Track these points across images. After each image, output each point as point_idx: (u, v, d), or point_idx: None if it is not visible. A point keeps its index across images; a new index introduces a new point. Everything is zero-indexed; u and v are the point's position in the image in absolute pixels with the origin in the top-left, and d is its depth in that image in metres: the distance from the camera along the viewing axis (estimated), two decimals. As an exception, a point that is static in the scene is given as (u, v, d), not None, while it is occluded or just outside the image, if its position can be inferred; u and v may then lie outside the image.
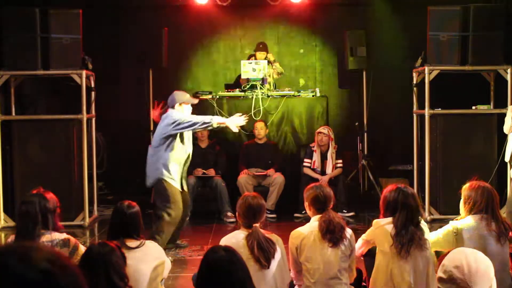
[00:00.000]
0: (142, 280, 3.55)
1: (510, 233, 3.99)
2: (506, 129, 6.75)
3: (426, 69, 7.45)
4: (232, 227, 6.94)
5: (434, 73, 7.48)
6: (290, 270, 3.93)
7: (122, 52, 9.68)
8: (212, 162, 8.04)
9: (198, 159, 7.51)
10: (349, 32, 8.87)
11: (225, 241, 3.71)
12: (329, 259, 3.84)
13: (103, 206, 8.41)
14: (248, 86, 8.46)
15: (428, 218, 7.31)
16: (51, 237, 3.70)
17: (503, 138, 7.02)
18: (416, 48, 7.96)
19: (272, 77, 8.64)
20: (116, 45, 9.71)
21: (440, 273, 2.51)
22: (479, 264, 2.47)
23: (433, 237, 4.02)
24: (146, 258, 3.62)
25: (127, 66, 9.66)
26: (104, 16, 9.62)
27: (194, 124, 5.71)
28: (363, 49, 8.74)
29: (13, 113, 7.60)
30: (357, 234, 4.27)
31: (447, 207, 7.27)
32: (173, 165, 5.83)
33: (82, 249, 3.70)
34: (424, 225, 3.94)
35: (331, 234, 3.86)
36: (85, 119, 7.43)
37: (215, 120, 5.78)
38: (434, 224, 6.92)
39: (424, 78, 7.53)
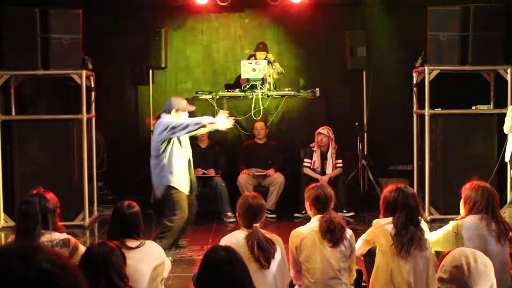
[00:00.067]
0: (142, 280, 3.55)
1: (510, 233, 3.99)
2: (506, 129, 6.75)
3: (426, 69, 7.45)
4: (232, 227, 6.94)
5: (434, 73, 7.48)
6: (290, 270, 3.93)
7: (122, 52, 9.67)
8: (212, 162, 8.04)
9: (198, 159, 7.50)
10: (349, 32, 8.87)
11: (225, 241, 3.71)
12: (328, 259, 3.85)
13: (103, 206, 8.41)
14: (248, 86, 8.46)
15: (428, 218, 7.31)
16: (51, 237, 3.70)
17: (503, 138, 7.03)
18: (416, 48, 7.96)
19: (272, 77, 8.64)
20: (116, 45, 9.70)
21: (440, 273, 2.51)
22: (479, 264, 2.47)
23: (433, 237, 4.02)
24: (146, 258, 3.62)
25: (127, 66, 9.66)
26: (104, 16, 9.62)
27: (187, 126, 5.67)
28: (363, 49, 8.75)
29: (13, 113, 7.61)
30: (357, 234, 4.27)
31: (447, 207, 7.28)
32: (177, 170, 5.80)
33: (82, 249, 3.70)
34: (424, 225, 3.94)
35: (332, 234, 3.87)
36: (85, 119, 7.44)
37: (206, 120, 5.75)
38: (434, 224, 6.92)
39: (424, 78, 7.53)
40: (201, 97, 8.44)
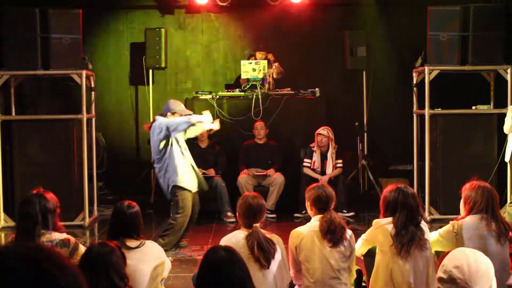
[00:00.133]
0: (142, 280, 3.55)
1: (510, 233, 3.99)
2: (506, 129, 6.75)
3: (426, 69, 7.45)
4: (232, 227, 6.94)
5: (434, 73, 7.48)
6: (290, 270, 3.93)
7: (122, 52, 9.67)
8: (212, 162, 8.04)
9: (198, 159, 7.48)
10: (349, 32, 8.87)
11: (225, 241, 3.71)
12: (328, 259, 3.85)
13: (103, 206, 8.41)
14: (248, 86, 8.46)
15: (428, 218, 7.31)
16: (51, 237, 3.69)
17: (503, 138, 7.03)
18: (416, 48, 7.96)
19: (272, 77, 8.63)
20: (116, 45, 9.70)
21: (440, 273, 2.51)
22: (479, 264, 2.47)
23: (433, 237, 4.01)
24: (146, 258, 3.62)
25: (126, 66, 9.66)
26: (104, 16, 9.63)
27: (180, 123, 5.73)
28: (363, 49, 8.75)
29: (13, 113, 7.61)
30: (357, 234, 4.27)
31: (447, 207, 7.28)
32: (181, 169, 5.86)
33: (82, 249, 3.70)
34: (424, 225, 3.94)
35: (332, 234, 3.87)
36: (85, 119, 7.44)
37: (195, 119, 5.79)
38: (434, 224, 6.93)
39: (424, 78, 7.53)
40: (201, 97, 8.44)
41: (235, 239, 3.72)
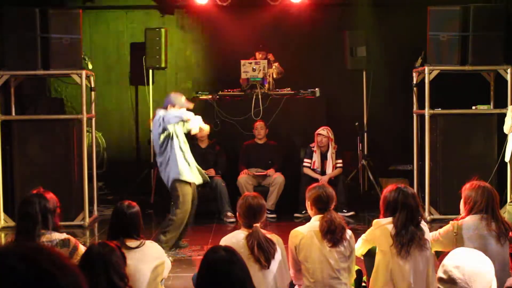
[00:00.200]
0: (142, 280, 3.55)
1: (510, 233, 3.99)
2: (506, 129, 6.75)
3: (426, 69, 7.45)
4: (232, 227, 6.94)
5: (434, 73, 7.48)
6: (290, 269, 3.93)
7: (122, 52, 9.67)
8: (212, 162, 8.04)
9: (198, 159, 7.48)
10: (349, 32, 8.87)
11: (225, 241, 3.71)
12: (328, 259, 3.85)
13: (103, 206, 8.41)
14: (248, 86, 8.46)
15: (428, 218, 7.31)
16: (51, 237, 3.69)
17: (503, 138, 7.03)
18: (416, 48, 7.96)
19: (272, 77, 8.63)
20: (116, 45, 9.70)
21: (440, 273, 2.51)
22: (479, 264, 2.47)
23: (433, 237, 4.02)
24: (146, 258, 3.62)
25: (126, 66, 9.66)
26: (104, 16, 9.63)
27: (171, 117, 5.79)
28: (363, 49, 8.74)
29: (13, 113, 7.61)
30: (357, 234, 4.27)
31: (447, 207, 7.28)
32: (181, 162, 5.92)
33: (82, 249, 3.70)
34: (424, 225, 3.94)
35: (332, 234, 3.87)
36: (85, 119, 7.44)
37: (185, 115, 5.84)
38: (434, 224, 6.93)
39: (424, 78, 7.53)
40: (201, 97, 8.44)
41: (235, 239, 3.72)
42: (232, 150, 8.37)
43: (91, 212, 7.66)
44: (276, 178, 7.88)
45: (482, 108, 7.66)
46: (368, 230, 4.08)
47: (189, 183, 5.97)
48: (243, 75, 8.50)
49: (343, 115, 9.20)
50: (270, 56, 8.83)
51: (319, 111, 8.55)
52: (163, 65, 8.90)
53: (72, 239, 3.80)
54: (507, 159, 6.88)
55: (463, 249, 2.66)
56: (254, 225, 3.76)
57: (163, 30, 8.89)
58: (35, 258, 1.17)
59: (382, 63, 9.40)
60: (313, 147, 7.98)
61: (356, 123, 8.95)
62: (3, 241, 6.80)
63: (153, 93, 9.08)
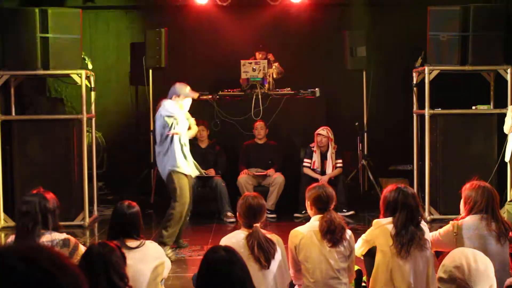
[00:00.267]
0: (142, 280, 3.55)
1: (510, 233, 3.99)
2: (506, 129, 6.76)
3: (426, 69, 7.45)
4: (232, 227, 6.94)
5: (434, 73, 7.48)
6: (290, 269, 3.93)
7: (122, 52, 9.67)
8: (212, 162, 8.04)
9: (198, 159, 7.50)
10: (349, 32, 8.86)
11: (225, 241, 3.71)
12: (328, 259, 3.85)
13: (103, 206, 8.41)
14: (248, 86, 8.45)
15: (428, 218, 7.31)
16: (51, 237, 3.69)
17: (503, 138, 7.03)
18: (416, 48, 7.96)
19: (272, 77, 8.63)
20: (116, 45, 9.70)
21: (440, 273, 2.51)
22: (479, 264, 2.47)
23: (433, 237, 4.02)
24: (146, 258, 3.62)
25: (126, 66, 9.65)
26: (104, 15, 9.63)
27: (165, 111, 5.89)
28: (363, 49, 8.74)
29: (13, 113, 7.61)
30: (357, 234, 4.27)
31: (447, 207, 7.28)
32: (179, 154, 5.95)
33: (82, 249, 3.70)
34: (424, 225, 3.94)
35: (332, 234, 3.87)
36: (85, 119, 7.44)
37: (177, 116, 5.92)
38: (434, 224, 6.93)
39: (424, 78, 7.53)
40: (201, 97, 8.43)
41: (235, 239, 3.72)
42: (232, 150, 8.37)
43: (91, 212, 7.66)
44: (276, 178, 7.88)
45: (482, 108, 7.66)
46: (368, 230, 4.08)
47: (186, 175, 5.98)
48: (243, 75, 8.49)
49: (343, 115, 9.20)
50: (270, 56, 8.83)
51: (319, 111, 8.55)
52: (163, 65, 8.90)
53: (72, 239, 3.80)
54: (507, 159, 6.89)
55: (463, 249, 2.66)
56: (254, 225, 3.76)
57: (163, 30, 8.88)
58: (35, 258, 1.17)
59: (382, 63, 9.40)
60: (313, 147, 7.98)
61: (356, 123, 8.95)
62: (3, 241, 6.80)
63: (153, 93, 9.07)
